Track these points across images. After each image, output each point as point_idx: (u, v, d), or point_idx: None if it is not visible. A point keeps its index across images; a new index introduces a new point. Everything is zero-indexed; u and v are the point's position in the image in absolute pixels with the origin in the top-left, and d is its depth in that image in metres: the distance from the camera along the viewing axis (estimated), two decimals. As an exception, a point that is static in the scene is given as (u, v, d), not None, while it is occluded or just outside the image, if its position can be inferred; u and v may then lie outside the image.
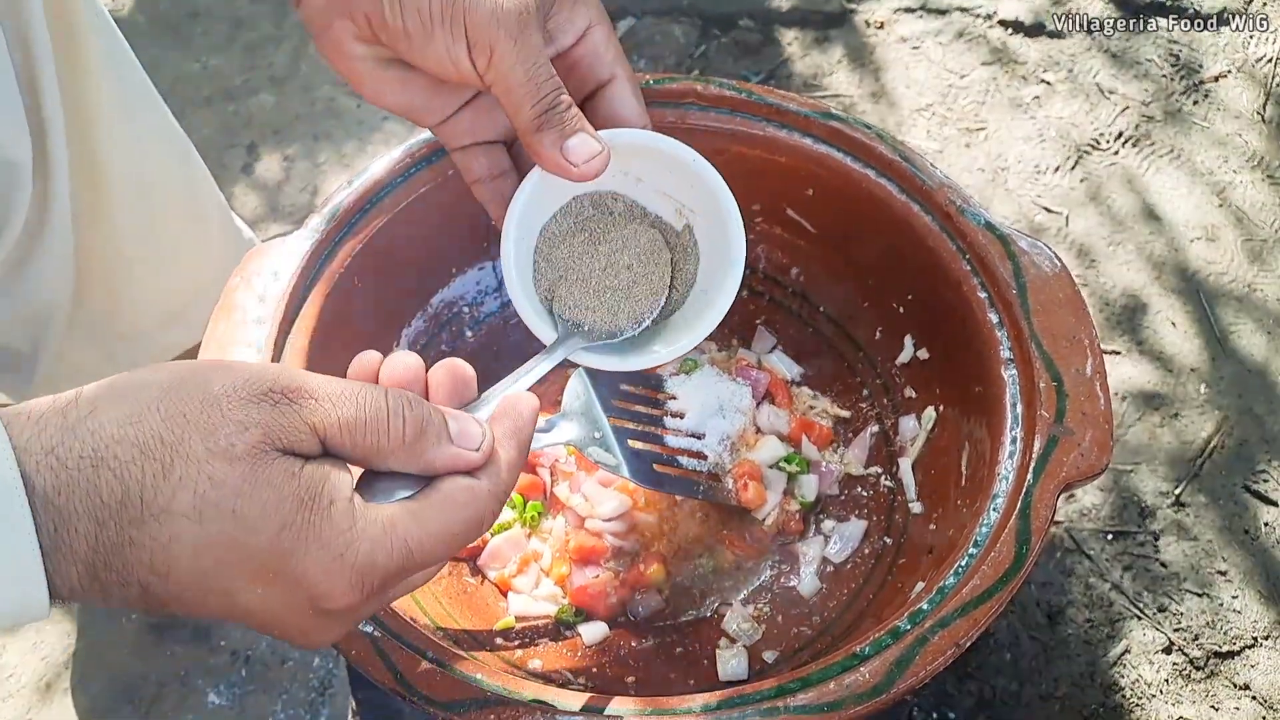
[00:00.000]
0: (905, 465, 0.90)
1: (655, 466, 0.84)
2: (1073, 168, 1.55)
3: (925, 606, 0.66)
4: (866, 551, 0.88)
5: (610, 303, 0.73)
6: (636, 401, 0.88)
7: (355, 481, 0.52)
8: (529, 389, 0.63)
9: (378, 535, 0.50)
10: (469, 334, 1.01)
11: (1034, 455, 0.72)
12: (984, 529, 0.70)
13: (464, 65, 0.64)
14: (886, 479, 0.92)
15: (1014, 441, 0.74)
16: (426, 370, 0.57)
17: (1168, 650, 1.15)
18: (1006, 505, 0.71)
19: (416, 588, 0.58)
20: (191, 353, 1.16)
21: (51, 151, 0.91)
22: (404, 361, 0.56)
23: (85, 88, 0.94)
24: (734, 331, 1.03)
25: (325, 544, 0.48)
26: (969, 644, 0.63)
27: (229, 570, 0.48)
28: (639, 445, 0.83)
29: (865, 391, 0.96)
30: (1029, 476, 0.71)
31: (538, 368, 0.67)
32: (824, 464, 0.94)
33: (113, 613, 1.22)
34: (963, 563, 0.68)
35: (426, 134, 0.92)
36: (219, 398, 0.48)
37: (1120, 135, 1.58)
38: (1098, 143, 1.58)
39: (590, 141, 0.66)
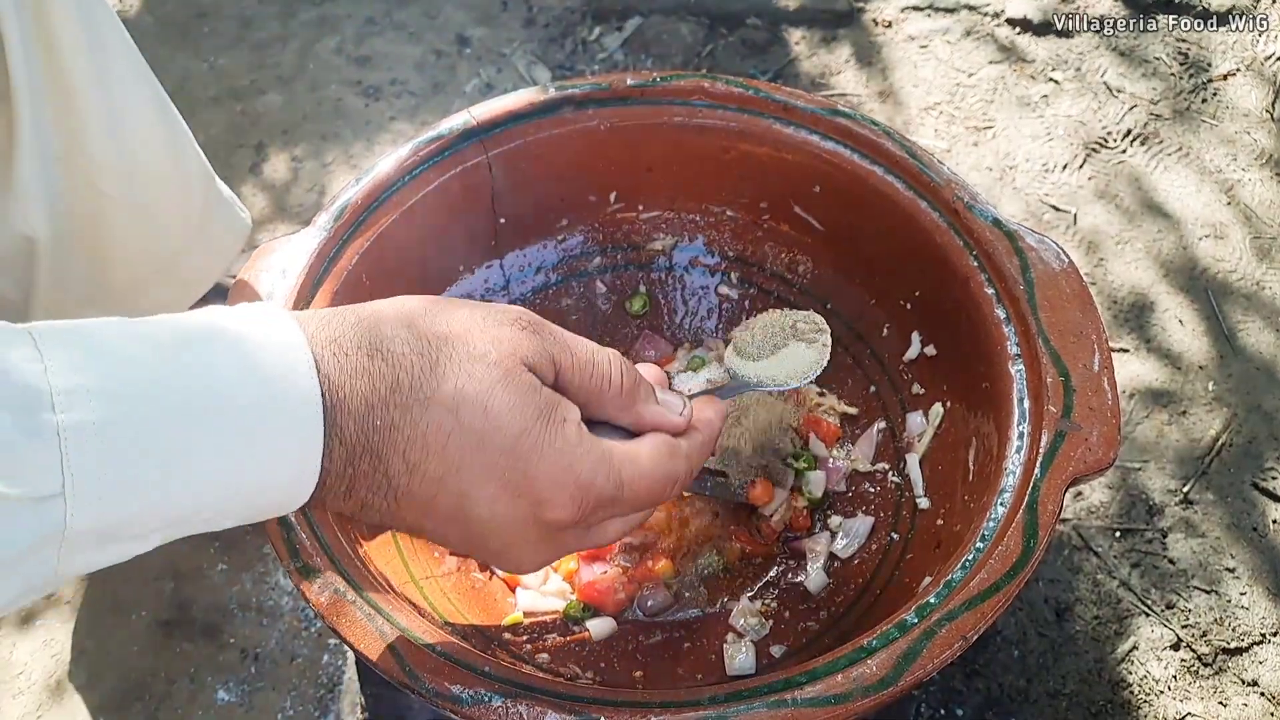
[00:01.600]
0: (913, 461, 0.90)
1: None
2: (1081, 166, 1.55)
3: (933, 600, 0.66)
4: (874, 547, 0.88)
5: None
6: None
7: None
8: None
9: (600, 457, 0.55)
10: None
11: (1041, 450, 0.72)
12: (991, 523, 0.70)
13: None
14: (894, 475, 0.92)
15: (1021, 437, 0.74)
16: None
17: (1176, 647, 1.14)
18: (1014, 500, 0.71)
19: (616, 537, 0.62)
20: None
21: (14, 72, 0.90)
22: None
23: (47, 10, 0.92)
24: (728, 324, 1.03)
25: (558, 453, 0.54)
26: (976, 637, 0.63)
27: (471, 467, 0.52)
28: None
29: (873, 388, 0.96)
30: (1036, 471, 0.71)
31: (735, 378, 0.72)
32: (831, 460, 0.94)
33: (123, 610, 1.22)
34: (970, 557, 0.68)
35: (434, 131, 0.93)
36: (483, 311, 0.55)
37: (1128, 133, 1.58)
38: (1106, 141, 1.58)
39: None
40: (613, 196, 1.02)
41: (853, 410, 0.97)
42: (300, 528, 0.71)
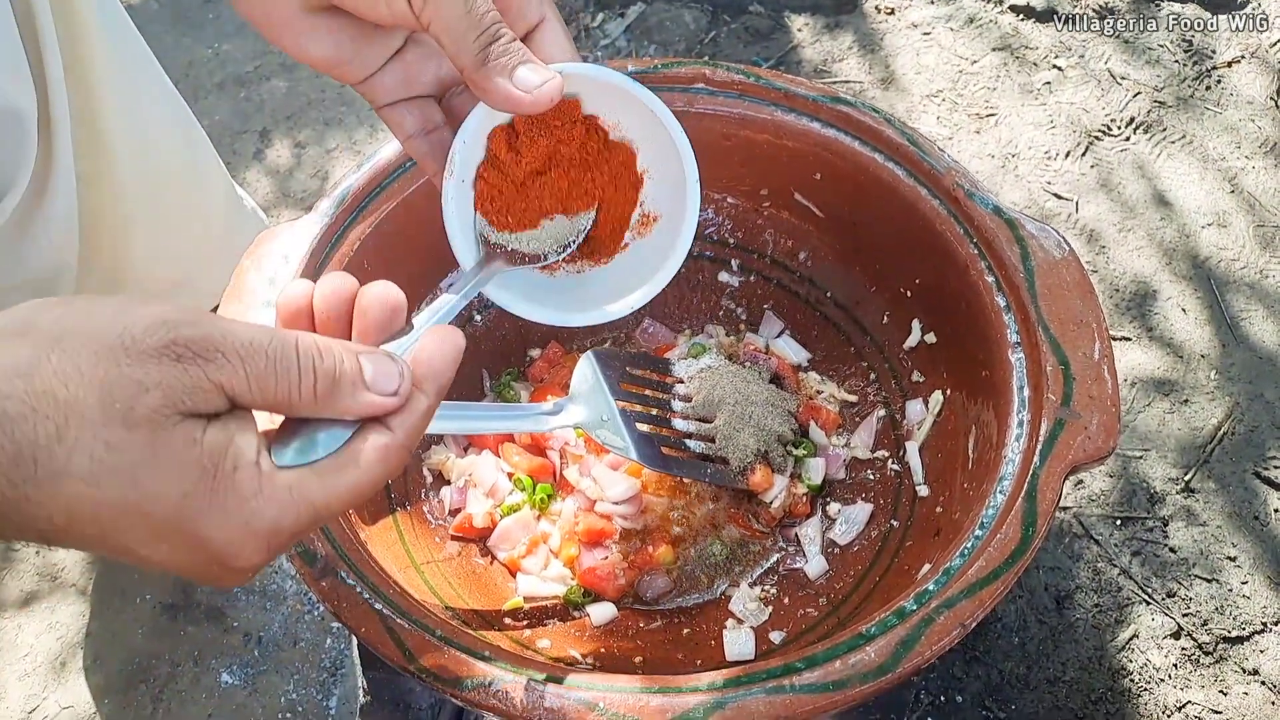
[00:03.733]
0: (912, 449, 0.90)
1: (663, 450, 0.84)
2: (1083, 154, 1.55)
3: (931, 587, 0.66)
4: (873, 534, 0.88)
5: (538, 231, 0.73)
6: (645, 385, 0.88)
7: (276, 428, 0.51)
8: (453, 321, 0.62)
9: (284, 500, 0.48)
10: (477, 318, 1.01)
11: (1040, 438, 0.72)
12: (990, 511, 0.70)
13: (398, 5, 0.60)
14: (893, 463, 0.92)
15: (1020, 425, 0.75)
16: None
17: (1176, 635, 1.15)
18: (1013, 488, 0.71)
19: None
20: None
21: (54, 104, 0.91)
22: (334, 285, 0.55)
23: (81, 44, 0.93)
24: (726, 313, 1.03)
25: (229, 512, 0.47)
26: (974, 624, 0.64)
27: (130, 530, 0.46)
28: (647, 428, 0.83)
29: (872, 376, 0.97)
30: (1035, 459, 0.71)
31: (463, 291, 0.66)
32: (831, 448, 0.95)
33: (128, 593, 1.23)
34: (969, 544, 0.68)
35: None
36: (116, 349, 0.45)
37: (1131, 121, 1.58)
38: (1109, 129, 1.57)
39: (541, 69, 0.62)
40: (614, 183, 1.02)
41: (852, 398, 0.97)
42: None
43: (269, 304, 0.82)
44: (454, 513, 0.92)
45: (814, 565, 0.88)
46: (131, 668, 1.19)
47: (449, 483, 0.94)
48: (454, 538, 0.91)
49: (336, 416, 0.51)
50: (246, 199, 1.24)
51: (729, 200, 1.02)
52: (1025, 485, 0.70)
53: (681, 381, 0.92)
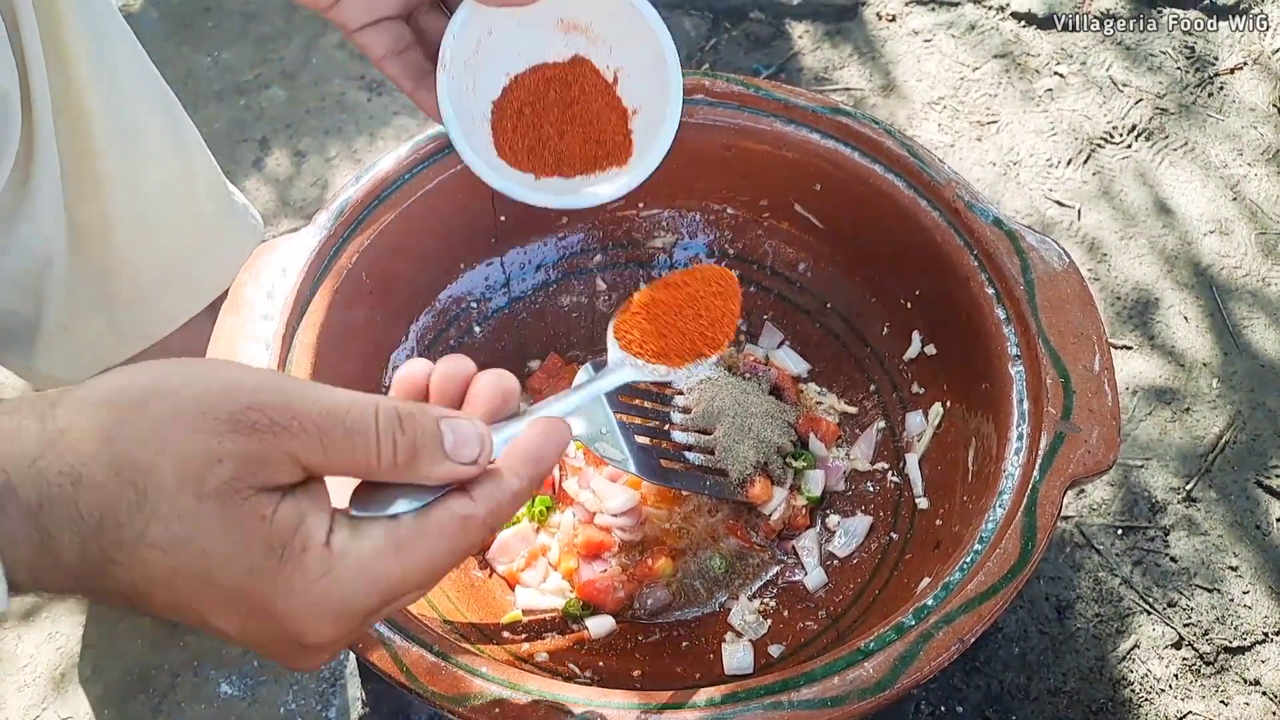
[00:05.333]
0: (912, 461, 0.90)
1: (662, 462, 0.84)
2: (1085, 161, 1.54)
3: (930, 602, 0.66)
4: (873, 547, 0.88)
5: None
6: (644, 397, 0.88)
7: (351, 494, 0.50)
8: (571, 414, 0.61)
9: (355, 577, 0.48)
10: (477, 329, 1.01)
11: (1040, 452, 0.72)
12: (989, 525, 0.70)
13: None
14: (893, 475, 0.92)
15: (1020, 438, 0.74)
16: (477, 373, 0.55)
17: (1177, 645, 1.14)
18: (1012, 501, 0.71)
19: (406, 606, 0.56)
20: (197, 321, 1.15)
21: (34, 83, 0.89)
22: (452, 368, 0.54)
23: (59, 24, 0.91)
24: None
25: (296, 591, 0.47)
26: (974, 640, 0.64)
27: (203, 600, 0.46)
28: (646, 440, 0.83)
29: (872, 387, 0.96)
30: (1035, 473, 0.71)
31: (588, 387, 0.66)
32: (830, 460, 0.94)
33: (126, 604, 1.23)
34: (968, 559, 0.68)
35: (434, 129, 0.92)
36: (195, 414, 0.45)
37: (1133, 129, 1.57)
38: (1110, 136, 1.57)
39: None
40: (613, 194, 1.02)
41: (852, 409, 0.97)
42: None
43: (268, 317, 0.81)
44: (452, 525, 0.92)
45: (813, 578, 0.88)
46: (131, 678, 1.19)
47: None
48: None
49: (417, 483, 0.50)
50: (236, 194, 1.22)
51: (729, 211, 1.02)
52: (1025, 499, 0.70)
53: (681, 393, 0.92)
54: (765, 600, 0.88)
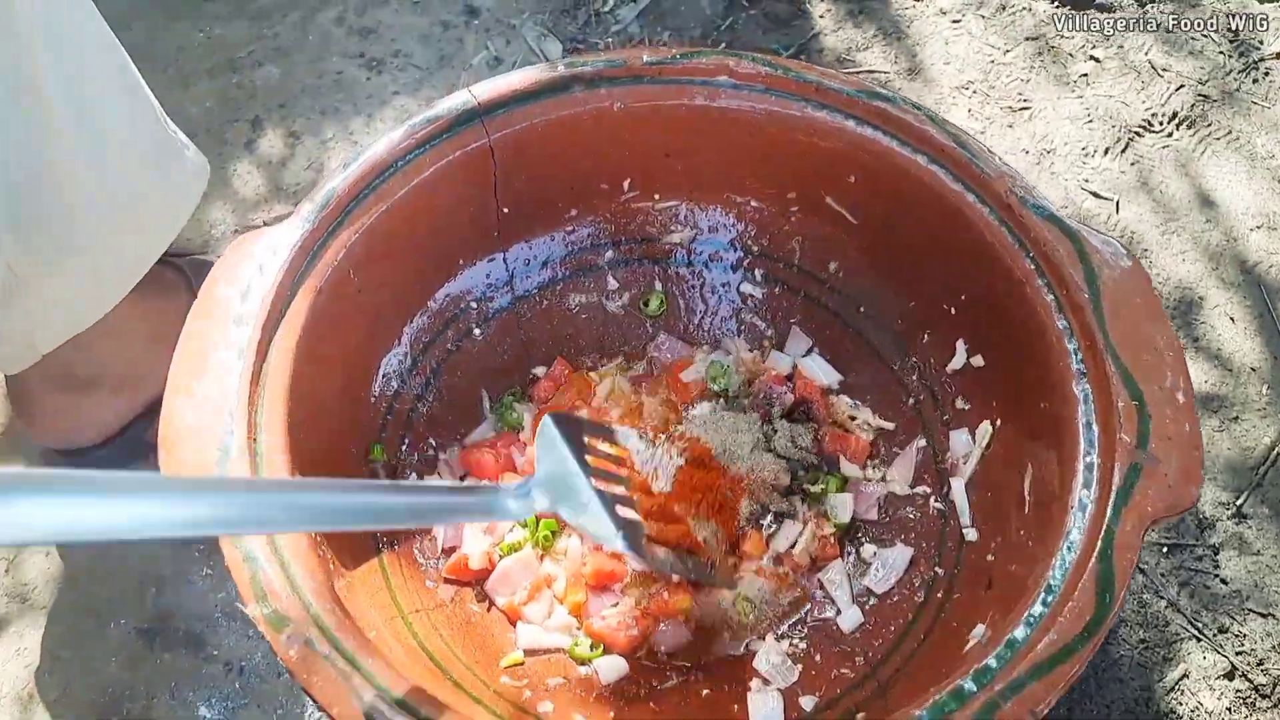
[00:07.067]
0: (958, 486, 0.81)
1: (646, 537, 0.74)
2: (1123, 150, 1.46)
3: (993, 663, 0.57)
4: (915, 583, 0.80)
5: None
6: (607, 459, 0.77)
7: None
8: None
9: None
10: (477, 332, 0.93)
11: (1114, 486, 0.63)
12: (1058, 572, 0.61)
13: None
14: (936, 500, 0.83)
15: (1090, 469, 0.66)
16: None
17: (1230, 675, 1.07)
18: (1084, 544, 0.62)
19: None
20: (162, 265, 1.11)
21: None
22: None
23: None
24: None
25: None
26: (1046, 712, 0.55)
27: None
28: (631, 514, 0.73)
29: (911, 401, 0.88)
30: (1109, 511, 0.62)
31: None
32: (862, 482, 0.86)
33: (102, 616, 1.16)
34: (1035, 610, 0.60)
35: (431, 112, 0.84)
36: None
37: (1174, 116, 1.49)
38: (1150, 124, 1.49)
39: None
40: (626, 184, 0.94)
41: (889, 425, 0.89)
42: (268, 561, 0.62)
43: (241, 321, 0.73)
44: (447, 552, 0.84)
45: (848, 617, 0.79)
46: (104, 699, 1.11)
47: (443, 516, 0.85)
48: (447, 580, 0.82)
49: None
50: (171, 124, 1.15)
51: (752, 204, 0.94)
52: (1099, 542, 0.61)
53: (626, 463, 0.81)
54: (794, 641, 0.80)
